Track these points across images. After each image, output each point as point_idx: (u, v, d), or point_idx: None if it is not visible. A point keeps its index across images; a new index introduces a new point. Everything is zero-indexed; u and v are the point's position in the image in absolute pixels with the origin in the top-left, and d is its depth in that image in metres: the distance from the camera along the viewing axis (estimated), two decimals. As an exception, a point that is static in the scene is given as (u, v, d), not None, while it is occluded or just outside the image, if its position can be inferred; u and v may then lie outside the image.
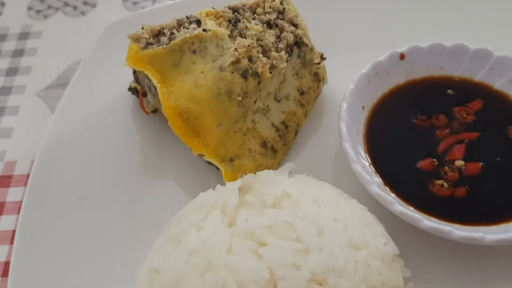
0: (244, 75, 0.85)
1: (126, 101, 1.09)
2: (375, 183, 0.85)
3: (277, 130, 0.95)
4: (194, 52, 0.85)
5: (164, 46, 0.84)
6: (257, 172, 0.84)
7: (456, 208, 0.87)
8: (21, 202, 1.06)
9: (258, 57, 0.88)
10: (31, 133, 1.17)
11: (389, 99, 1.02)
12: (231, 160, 0.90)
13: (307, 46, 0.98)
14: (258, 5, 0.96)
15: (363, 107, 0.99)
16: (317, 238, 0.69)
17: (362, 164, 0.89)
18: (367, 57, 1.04)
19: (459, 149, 0.93)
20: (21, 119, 1.21)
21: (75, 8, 1.44)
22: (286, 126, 0.96)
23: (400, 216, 0.81)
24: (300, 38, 0.97)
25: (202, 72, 0.84)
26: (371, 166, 0.92)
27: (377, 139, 0.96)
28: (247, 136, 0.91)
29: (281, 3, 1.00)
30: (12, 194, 1.08)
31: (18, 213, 1.04)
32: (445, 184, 0.89)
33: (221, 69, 0.84)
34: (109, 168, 0.98)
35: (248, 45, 0.87)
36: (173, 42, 0.84)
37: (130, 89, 1.05)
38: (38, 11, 1.45)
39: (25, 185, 1.09)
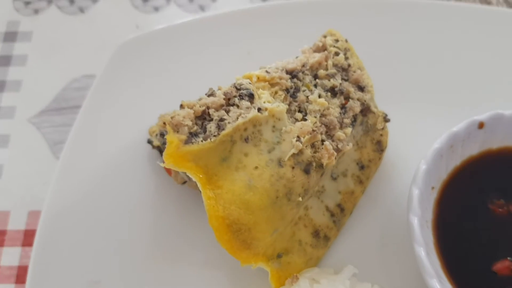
0: (307, 170, 0.68)
1: (145, 148, 0.90)
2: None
3: (332, 215, 0.79)
4: (246, 140, 0.67)
5: (212, 138, 0.65)
6: (309, 284, 0.70)
7: (536, 327, 0.76)
8: (18, 268, 0.90)
9: (322, 142, 0.70)
10: (25, 173, 0.98)
11: (461, 175, 0.86)
12: (279, 256, 0.75)
13: (373, 113, 0.80)
14: (320, 64, 0.76)
15: (433, 188, 0.84)
16: None
17: (438, 277, 0.75)
18: (436, 116, 0.89)
19: (542, 250, 0.80)
20: (13, 153, 1.01)
21: (72, 2, 1.19)
22: (342, 209, 0.81)
23: None
24: (367, 105, 0.79)
25: (256, 167, 0.66)
26: (442, 267, 0.79)
27: (446, 230, 0.82)
28: (298, 226, 0.75)
29: (345, 56, 0.80)
30: (7, 257, 0.91)
31: (15, 282, 0.89)
32: (525, 297, 0.77)
33: (280, 163, 0.67)
34: (126, 247, 0.82)
35: (313, 130, 0.69)
36: (223, 133, 0.65)
37: (150, 143, 0.86)
38: (27, 3, 1.19)
39: (22, 245, 0.93)
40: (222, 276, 0.79)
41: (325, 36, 0.84)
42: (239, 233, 0.65)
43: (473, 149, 0.89)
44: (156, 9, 1.18)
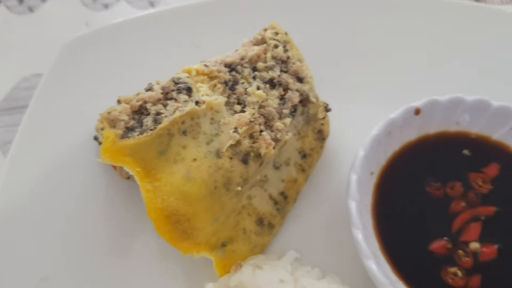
0: (245, 160, 0.71)
1: (93, 144, 0.91)
2: (390, 285, 0.75)
3: (275, 203, 0.82)
4: (184, 133, 0.68)
5: (149, 132, 0.66)
6: (252, 269, 0.73)
7: (470, 301, 0.80)
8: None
9: (260, 133, 0.72)
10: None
11: (400, 160, 0.90)
12: (223, 245, 0.77)
13: (313, 103, 0.83)
14: (259, 57, 0.78)
15: (372, 173, 0.88)
16: None
17: (376, 256, 0.79)
18: (375, 103, 0.92)
19: (475, 229, 0.84)
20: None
21: (21, 1, 1.18)
22: (285, 197, 0.83)
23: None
24: (306, 95, 0.81)
25: (194, 159, 0.68)
26: (380, 250, 0.82)
27: (386, 213, 0.86)
28: (242, 215, 0.78)
29: (285, 49, 0.83)
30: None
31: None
32: (459, 273, 0.81)
33: (218, 155, 0.69)
34: (75, 243, 0.82)
35: (251, 121, 0.71)
36: (159, 126, 0.66)
37: (96, 139, 0.87)
38: (-27, -1, 1.18)
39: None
40: (173, 266, 0.81)
41: (266, 30, 0.86)
42: (178, 224, 0.67)
43: (411, 135, 0.93)
44: (106, 6, 1.18)
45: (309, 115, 0.85)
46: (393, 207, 0.87)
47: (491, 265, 0.82)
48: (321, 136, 0.87)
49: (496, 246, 0.83)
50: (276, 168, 0.82)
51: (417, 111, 0.91)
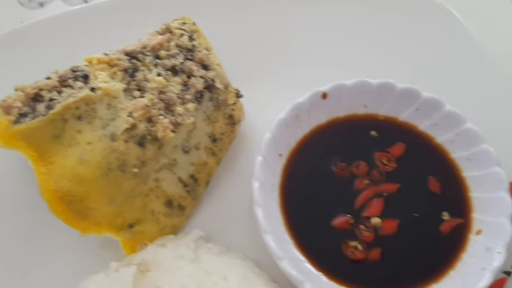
0: (141, 143, 0.75)
1: None
2: (286, 258, 0.79)
3: (185, 185, 0.86)
4: (79, 118, 0.73)
5: (41, 118, 0.70)
6: (154, 247, 0.77)
7: (370, 273, 0.84)
8: None
9: (159, 117, 0.76)
10: None
11: (309, 143, 0.95)
12: (131, 226, 0.81)
13: (220, 89, 0.87)
14: (161, 45, 0.82)
15: (280, 155, 0.92)
16: None
17: (275, 231, 0.83)
18: (289, 89, 0.96)
19: (377, 204, 0.89)
20: None
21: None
22: (196, 180, 0.87)
23: (309, 296, 0.77)
24: (212, 82, 0.85)
25: (89, 143, 0.72)
26: (284, 225, 0.87)
27: (293, 193, 0.90)
28: (150, 198, 0.82)
29: (190, 38, 0.87)
30: None
31: None
32: (359, 246, 0.85)
33: (113, 138, 0.73)
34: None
35: (147, 106, 0.75)
36: (51, 112, 0.70)
37: None
38: None
39: None
40: (79, 246, 0.84)
41: (175, 20, 0.90)
42: (72, 204, 0.71)
43: (321, 118, 0.97)
44: (41, 4, 1.22)
45: (219, 101, 0.89)
46: (300, 186, 0.91)
47: (391, 238, 0.86)
48: (232, 121, 0.91)
49: (396, 221, 0.87)
50: (185, 152, 0.86)
51: (324, 95, 0.95)
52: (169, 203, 0.85)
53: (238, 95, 0.93)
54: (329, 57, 1.03)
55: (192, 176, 0.87)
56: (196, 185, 0.88)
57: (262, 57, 1.02)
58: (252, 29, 1.04)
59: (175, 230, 0.86)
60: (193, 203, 0.89)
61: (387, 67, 1.00)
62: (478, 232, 0.86)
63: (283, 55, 1.03)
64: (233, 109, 0.91)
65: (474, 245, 0.85)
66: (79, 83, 0.74)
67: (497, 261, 0.80)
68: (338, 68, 1.01)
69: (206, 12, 1.01)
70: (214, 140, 0.89)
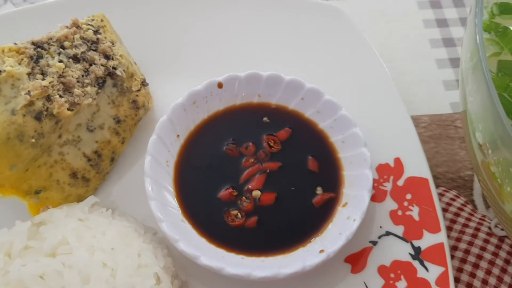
0: (38, 117, 0.88)
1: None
2: (166, 220, 0.91)
3: (89, 160, 0.98)
4: (-15, 94, 0.86)
5: None
6: (53, 209, 0.89)
7: (247, 237, 0.96)
8: None
9: (55, 96, 0.89)
10: None
11: (206, 126, 1.07)
12: (37, 192, 0.93)
13: (122, 77, 1.00)
14: (67, 37, 0.96)
15: (178, 136, 1.04)
16: (81, 286, 0.76)
17: (162, 199, 0.95)
18: (196, 79, 1.09)
19: (259, 179, 1.01)
20: None
21: None
22: (99, 155, 1.00)
23: (182, 253, 0.89)
24: (113, 70, 0.98)
25: (-8, 116, 0.85)
26: (175, 197, 0.99)
27: (186, 169, 1.02)
28: (55, 168, 0.94)
29: (96, 32, 1.00)
30: None
31: None
32: (239, 215, 0.97)
33: (13, 112, 0.86)
34: None
35: (44, 86, 0.88)
36: (-39, 88, 0.84)
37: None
38: None
39: None
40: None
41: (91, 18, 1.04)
42: (-27, 167, 0.84)
43: (219, 106, 1.09)
44: (-11, 6, 1.36)
45: (123, 87, 1.02)
46: (194, 164, 1.03)
47: (268, 208, 0.98)
48: (136, 105, 1.04)
49: (274, 194, 0.99)
50: (90, 131, 0.98)
51: (220, 85, 1.08)
52: (73, 174, 0.97)
53: (144, 83, 1.06)
54: (231, 52, 1.16)
55: (96, 152, 0.99)
56: (100, 160, 1.00)
57: (172, 52, 1.16)
58: (165, 28, 1.17)
59: (79, 199, 0.98)
60: (98, 176, 1.01)
61: (278, 61, 1.13)
62: (345, 205, 0.97)
63: (192, 51, 1.17)
64: (137, 95, 1.04)
65: (339, 215, 0.97)
66: (-12, 67, 0.87)
67: (352, 227, 0.92)
68: (242, 62, 1.14)
69: (127, 15, 1.16)
70: (118, 121, 1.02)
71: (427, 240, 0.95)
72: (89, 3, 1.17)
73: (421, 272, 0.93)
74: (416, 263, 0.94)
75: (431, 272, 0.92)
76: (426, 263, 0.93)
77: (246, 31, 1.17)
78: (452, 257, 1.02)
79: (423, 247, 0.95)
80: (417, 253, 0.95)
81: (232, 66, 1.11)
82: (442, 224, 0.95)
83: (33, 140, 0.88)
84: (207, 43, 1.17)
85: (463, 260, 1.02)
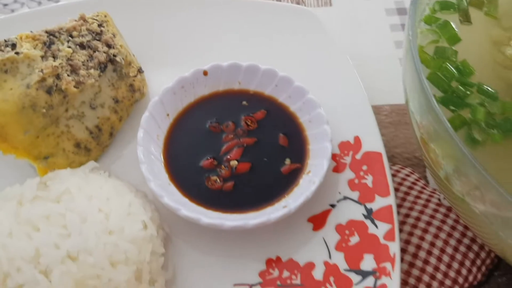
0: (49, 91, 1.05)
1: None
2: (154, 181, 1.07)
3: (91, 133, 1.15)
4: (6, 71, 1.04)
5: (-24, 70, 1.02)
6: (59, 170, 1.06)
7: (224, 199, 1.11)
8: None
9: (64, 75, 1.07)
10: None
11: (193, 108, 1.24)
12: (46, 158, 1.10)
13: (121, 63, 1.18)
14: (75, 28, 1.14)
15: (168, 115, 1.21)
16: (80, 225, 0.91)
17: (152, 165, 1.11)
18: (185, 69, 1.26)
19: (237, 152, 1.17)
20: None
21: None
22: (100, 129, 1.17)
23: (166, 206, 1.04)
24: (113, 57, 1.16)
25: (11, 89, 1.03)
26: (164, 165, 1.15)
27: (174, 143, 1.19)
28: (61, 138, 1.11)
29: (100, 25, 1.18)
30: None
31: None
32: (218, 180, 1.13)
33: (28, 86, 1.04)
34: None
35: (55, 66, 1.06)
36: (-13, 66, 1.02)
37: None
38: None
39: None
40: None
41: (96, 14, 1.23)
42: (-5, 130, 1.01)
43: (204, 91, 1.26)
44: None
45: (122, 73, 1.19)
46: (181, 138, 1.20)
47: (243, 175, 1.14)
48: (132, 88, 1.21)
49: (249, 163, 1.15)
50: (93, 108, 1.15)
51: (205, 73, 1.25)
52: (77, 144, 1.14)
53: (140, 70, 1.24)
54: (216, 46, 1.34)
55: (97, 126, 1.16)
56: (100, 134, 1.17)
57: (165, 46, 1.34)
58: (158, 26, 1.36)
59: (80, 165, 1.15)
60: (98, 148, 1.17)
61: (256, 54, 1.30)
62: (308, 172, 1.13)
63: (182, 45, 1.34)
64: (134, 80, 1.22)
65: (303, 181, 1.12)
66: (8, 49, 1.05)
67: (311, 188, 1.07)
68: (224, 54, 1.30)
69: (127, 15, 1.34)
70: (116, 101, 1.19)
71: (378, 203, 1.10)
72: (94, 5, 1.37)
73: (371, 229, 1.07)
74: (368, 222, 1.08)
75: (380, 229, 1.07)
76: (376, 221, 1.08)
77: (229, 28, 1.36)
78: (404, 223, 1.17)
79: (374, 209, 1.10)
80: (369, 214, 1.10)
81: (216, 57, 1.28)
82: (392, 189, 1.11)
83: (44, 110, 1.05)
84: (194, 38, 1.35)
85: (414, 226, 1.17)
